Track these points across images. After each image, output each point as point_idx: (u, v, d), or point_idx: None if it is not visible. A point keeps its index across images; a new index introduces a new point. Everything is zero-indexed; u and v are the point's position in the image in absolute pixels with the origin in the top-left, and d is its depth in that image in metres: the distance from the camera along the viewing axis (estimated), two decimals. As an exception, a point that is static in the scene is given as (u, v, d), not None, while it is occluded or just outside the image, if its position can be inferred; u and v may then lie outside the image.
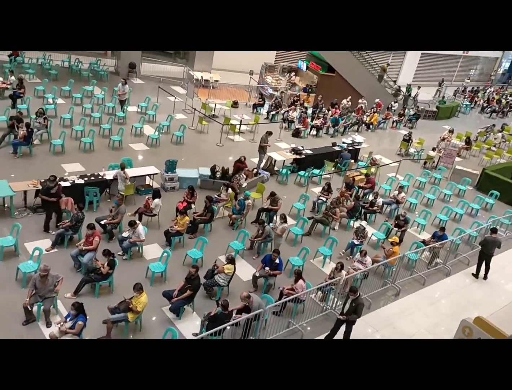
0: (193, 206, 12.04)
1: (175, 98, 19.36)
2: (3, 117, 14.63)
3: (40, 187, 10.97)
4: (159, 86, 20.04)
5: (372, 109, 23.38)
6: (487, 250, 12.04)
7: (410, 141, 20.30)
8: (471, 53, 35.41)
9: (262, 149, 15.81)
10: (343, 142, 18.58)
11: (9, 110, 15.18)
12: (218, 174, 13.84)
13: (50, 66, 20.39)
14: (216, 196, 12.52)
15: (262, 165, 15.82)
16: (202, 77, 23.50)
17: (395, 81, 28.32)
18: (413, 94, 27.54)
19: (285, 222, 11.41)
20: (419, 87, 28.58)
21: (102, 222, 10.66)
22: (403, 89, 27.36)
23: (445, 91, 31.28)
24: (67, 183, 11.45)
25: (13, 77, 17.12)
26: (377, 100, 23.94)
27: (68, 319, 7.69)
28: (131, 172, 12.43)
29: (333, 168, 16.52)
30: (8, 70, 18.11)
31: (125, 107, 17.67)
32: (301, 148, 16.76)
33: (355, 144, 18.84)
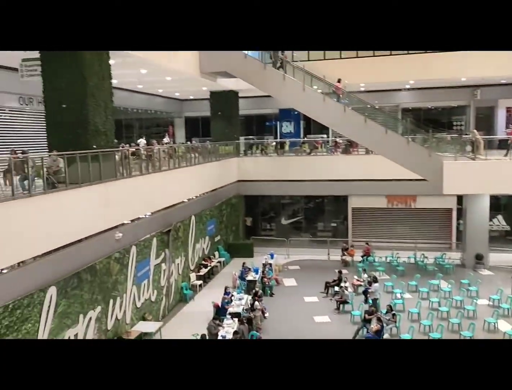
0: None
1: (534, 288, 17.04)
2: (357, 312, 16.05)
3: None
4: (511, 276, 18.27)
5: None
6: None
7: None
8: None
9: None
10: None
11: (362, 305, 16.62)
12: None
13: (397, 263, 21.86)
14: None
15: None
16: None
17: None
18: None
19: None
20: None
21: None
22: None
23: None
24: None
25: (365, 275, 19.05)
26: None
27: None
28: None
29: None
30: (361, 268, 20.43)
31: None
32: None
33: None
